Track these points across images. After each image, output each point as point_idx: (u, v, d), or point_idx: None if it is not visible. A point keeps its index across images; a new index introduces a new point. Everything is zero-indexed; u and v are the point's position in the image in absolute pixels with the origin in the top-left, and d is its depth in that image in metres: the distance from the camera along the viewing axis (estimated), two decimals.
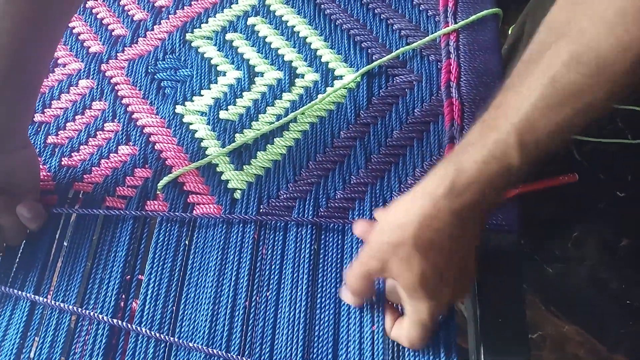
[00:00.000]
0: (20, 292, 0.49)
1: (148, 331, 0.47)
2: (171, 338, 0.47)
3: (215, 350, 0.46)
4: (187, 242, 0.51)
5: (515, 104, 0.35)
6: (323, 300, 0.48)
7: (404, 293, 0.41)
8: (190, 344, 0.46)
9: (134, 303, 0.49)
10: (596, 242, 1.13)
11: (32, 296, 0.49)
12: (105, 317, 0.48)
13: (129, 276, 0.50)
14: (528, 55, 0.38)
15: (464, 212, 0.37)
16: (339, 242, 0.50)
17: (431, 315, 0.40)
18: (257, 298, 0.48)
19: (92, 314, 0.48)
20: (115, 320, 0.47)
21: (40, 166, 0.54)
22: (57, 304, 0.48)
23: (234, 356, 0.46)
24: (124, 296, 0.49)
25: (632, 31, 0.32)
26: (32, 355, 0.47)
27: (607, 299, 1.06)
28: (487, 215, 0.43)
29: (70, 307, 0.48)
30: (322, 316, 0.47)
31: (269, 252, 0.50)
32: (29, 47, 0.45)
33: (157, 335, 0.47)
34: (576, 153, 1.20)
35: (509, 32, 1.32)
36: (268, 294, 0.48)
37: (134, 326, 0.47)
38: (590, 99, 0.34)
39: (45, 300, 0.49)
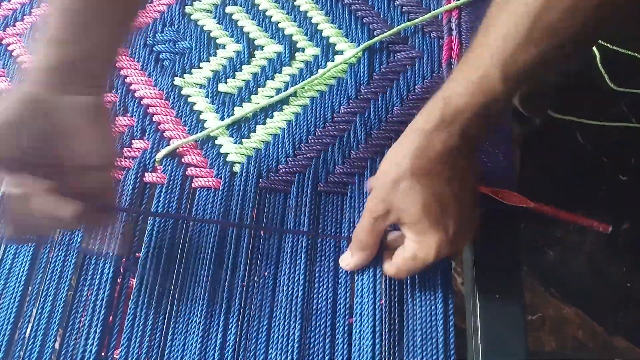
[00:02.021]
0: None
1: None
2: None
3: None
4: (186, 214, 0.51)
5: (497, 42, 0.38)
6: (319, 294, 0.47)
7: (410, 232, 0.41)
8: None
9: (131, 281, 0.49)
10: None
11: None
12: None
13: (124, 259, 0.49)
14: None
15: (454, 141, 0.40)
16: (338, 213, 0.50)
17: (437, 250, 0.40)
18: (255, 278, 0.48)
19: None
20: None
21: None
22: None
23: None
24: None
25: None
26: (29, 328, 0.47)
27: (607, 282, 1.06)
28: (477, 146, 0.45)
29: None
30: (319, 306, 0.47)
31: (268, 226, 0.50)
32: None
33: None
34: (579, 136, 1.19)
35: None
36: (265, 272, 0.48)
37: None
38: (567, 35, 0.38)
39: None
